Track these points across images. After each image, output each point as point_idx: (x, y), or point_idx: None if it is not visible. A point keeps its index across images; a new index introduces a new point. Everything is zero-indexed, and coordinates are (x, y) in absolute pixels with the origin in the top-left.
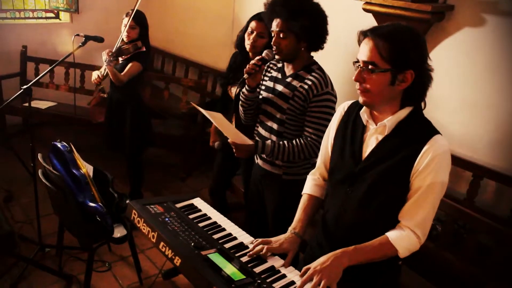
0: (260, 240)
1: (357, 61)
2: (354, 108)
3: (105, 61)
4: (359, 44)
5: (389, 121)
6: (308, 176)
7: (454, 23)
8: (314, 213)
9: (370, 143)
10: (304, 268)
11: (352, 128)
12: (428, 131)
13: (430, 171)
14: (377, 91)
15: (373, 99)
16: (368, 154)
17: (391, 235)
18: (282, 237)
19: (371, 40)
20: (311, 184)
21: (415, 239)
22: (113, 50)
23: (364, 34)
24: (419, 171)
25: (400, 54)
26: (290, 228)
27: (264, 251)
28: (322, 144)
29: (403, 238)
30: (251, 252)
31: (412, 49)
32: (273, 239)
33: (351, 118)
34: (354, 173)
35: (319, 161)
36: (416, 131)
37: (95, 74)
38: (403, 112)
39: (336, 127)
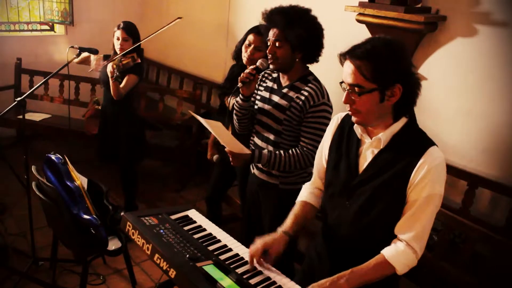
0: (253, 253)
1: (343, 82)
2: (348, 121)
3: (113, 76)
4: (342, 65)
5: (384, 135)
6: (303, 186)
7: (447, 33)
8: (307, 219)
9: (366, 156)
10: None
11: (347, 141)
12: (423, 143)
13: (426, 184)
14: (367, 111)
15: (365, 119)
16: (365, 168)
17: (387, 253)
18: (269, 235)
19: (351, 62)
20: (306, 192)
21: (411, 254)
22: (117, 63)
23: (344, 56)
24: (415, 184)
25: (383, 71)
26: (279, 229)
27: (256, 263)
28: (317, 157)
29: (400, 255)
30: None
31: (394, 63)
32: (259, 242)
33: (346, 131)
34: (350, 187)
35: (315, 174)
36: (412, 144)
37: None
38: (398, 125)
39: (331, 139)
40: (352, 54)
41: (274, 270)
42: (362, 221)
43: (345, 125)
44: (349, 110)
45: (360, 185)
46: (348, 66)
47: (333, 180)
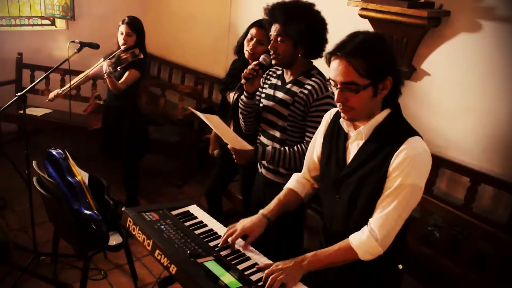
0: (227, 230)
1: (331, 79)
2: (339, 116)
3: (106, 72)
4: (328, 64)
5: (365, 128)
6: (293, 174)
7: (450, 28)
8: (290, 205)
9: (352, 149)
10: (268, 264)
11: (336, 136)
12: (405, 133)
13: (400, 172)
14: (361, 107)
15: (357, 115)
16: (350, 161)
17: (352, 238)
18: (248, 219)
19: (343, 59)
20: (293, 180)
21: (374, 242)
22: (113, 60)
23: (332, 54)
24: (390, 172)
25: (377, 66)
26: (260, 211)
27: (230, 242)
28: (308, 150)
29: (363, 242)
30: (219, 245)
31: (385, 57)
32: (238, 226)
33: (336, 126)
34: (338, 180)
35: (304, 165)
36: (393, 134)
37: (54, 93)
38: (380, 116)
39: (323, 135)
40: (344, 50)
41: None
42: (352, 214)
43: (336, 121)
44: (341, 108)
45: (346, 178)
46: (339, 64)
47: (325, 175)
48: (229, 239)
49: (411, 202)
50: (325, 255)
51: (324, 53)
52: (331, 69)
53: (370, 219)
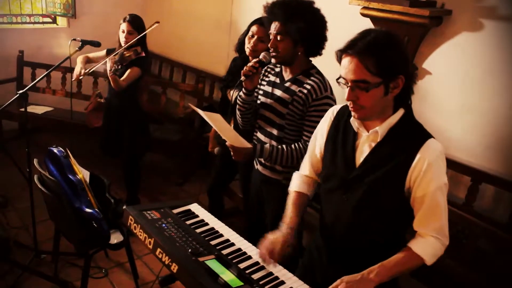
0: (263, 251)
1: (340, 78)
2: (343, 114)
3: (110, 69)
4: (339, 62)
5: (381, 128)
6: (294, 174)
7: (452, 27)
8: (303, 210)
9: (363, 150)
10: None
11: (343, 134)
12: (420, 136)
13: (431, 178)
14: (372, 106)
15: (367, 114)
16: (362, 162)
17: (414, 245)
18: (280, 236)
19: (354, 57)
20: (299, 182)
21: (438, 244)
22: (116, 58)
23: (343, 52)
24: (420, 179)
25: (388, 64)
26: (285, 225)
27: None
28: (309, 148)
29: (427, 246)
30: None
31: (397, 55)
32: (270, 238)
33: (341, 124)
34: (348, 180)
35: (307, 164)
36: (409, 136)
37: (77, 71)
38: (395, 117)
39: (327, 133)
40: (354, 49)
41: (276, 265)
42: (361, 215)
43: (341, 118)
44: (351, 107)
45: (358, 179)
46: (350, 61)
47: (330, 174)
48: (271, 258)
49: (446, 196)
50: (392, 265)
51: (335, 51)
52: (341, 67)
53: (423, 228)
